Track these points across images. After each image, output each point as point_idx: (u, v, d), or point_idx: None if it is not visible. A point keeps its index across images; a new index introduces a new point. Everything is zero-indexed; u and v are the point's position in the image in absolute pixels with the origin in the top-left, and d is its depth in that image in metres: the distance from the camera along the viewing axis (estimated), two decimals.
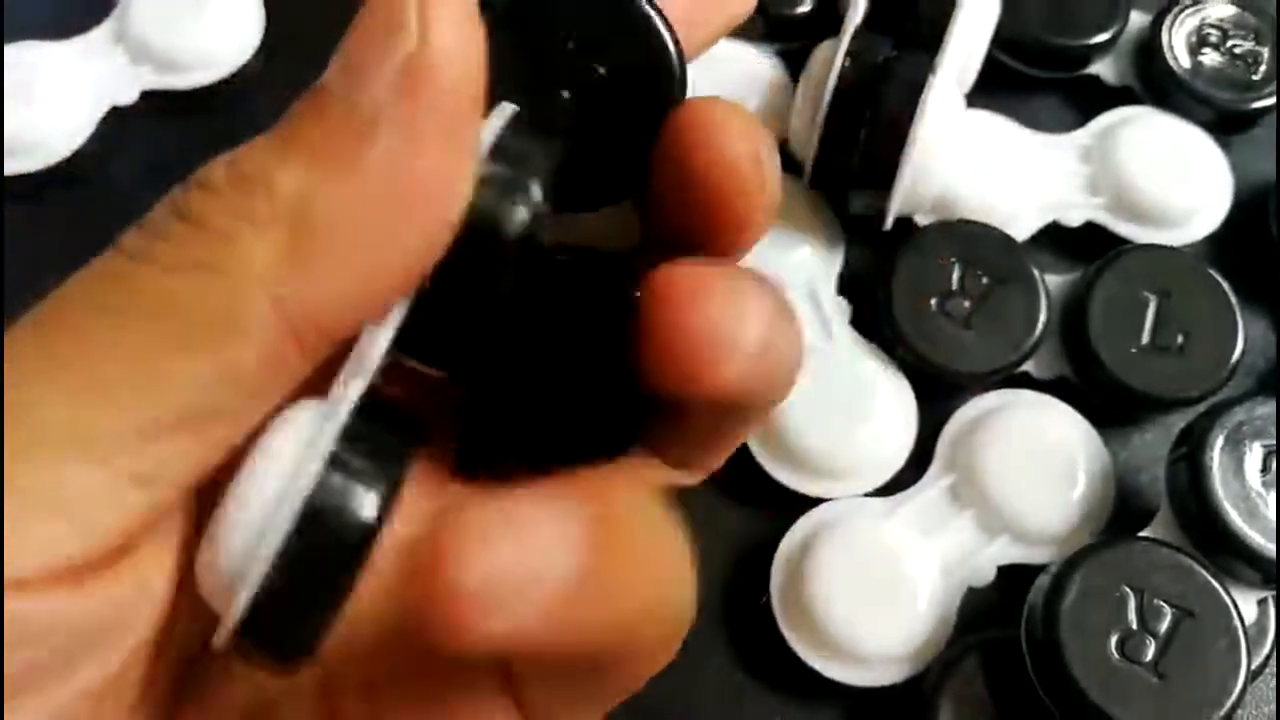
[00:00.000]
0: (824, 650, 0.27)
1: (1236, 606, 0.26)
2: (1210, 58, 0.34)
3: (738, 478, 0.30)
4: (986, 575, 0.28)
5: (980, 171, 0.32)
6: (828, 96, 0.30)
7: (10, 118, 0.32)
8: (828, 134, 0.30)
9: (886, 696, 0.28)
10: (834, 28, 0.32)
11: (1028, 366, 0.31)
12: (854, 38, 0.30)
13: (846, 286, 0.32)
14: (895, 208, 0.30)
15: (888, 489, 0.30)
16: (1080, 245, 0.33)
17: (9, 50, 0.33)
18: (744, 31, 0.34)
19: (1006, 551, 0.29)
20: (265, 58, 0.35)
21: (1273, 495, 0.26)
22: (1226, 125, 0.34)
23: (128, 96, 0.34)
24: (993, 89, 0.35)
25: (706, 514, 0.30)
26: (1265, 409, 0.27)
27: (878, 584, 0.28)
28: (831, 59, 0.30)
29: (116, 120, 0.34)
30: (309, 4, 0.32)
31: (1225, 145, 0.34)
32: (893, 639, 0.27)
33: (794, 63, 0.33)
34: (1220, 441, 0.27)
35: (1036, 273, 0.31)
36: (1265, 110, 0.34)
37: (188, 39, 0.34)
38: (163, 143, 0.34)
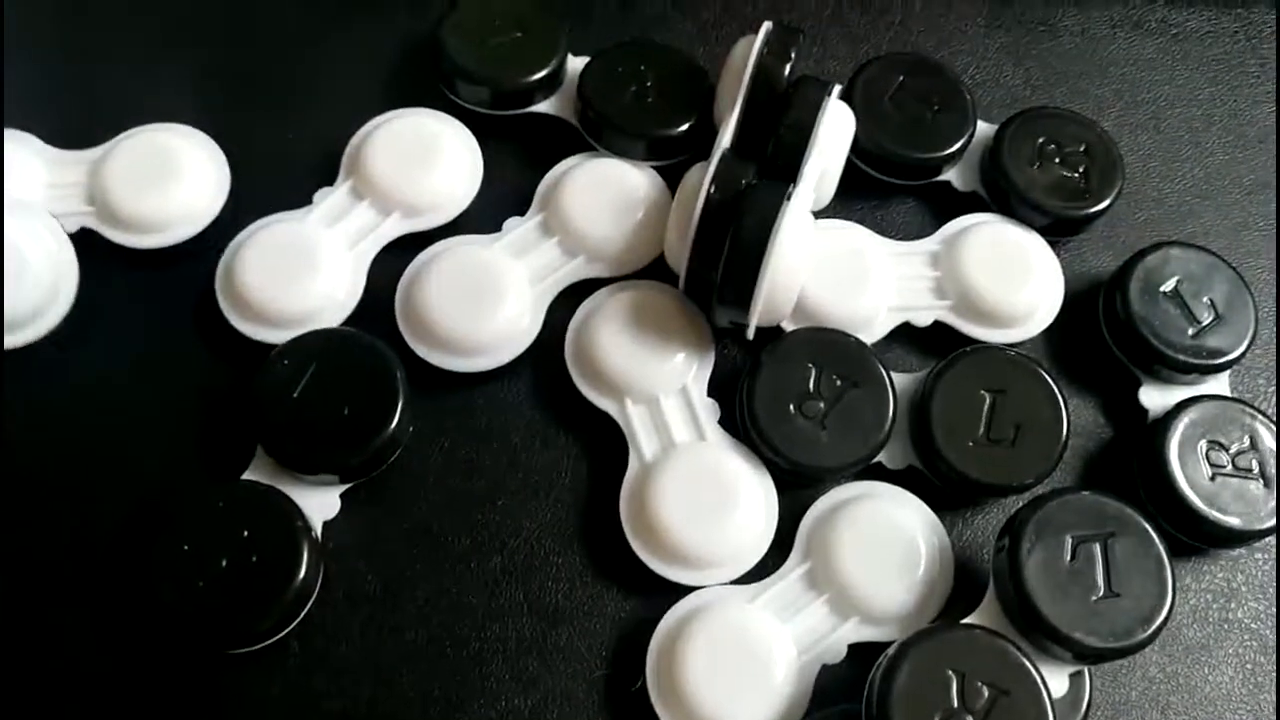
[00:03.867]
0: None
1: (1045, 683, 0.29)
2: (1045, 167, 0.38)
3: (617, 566, 0.33)
4: (839, 653, 0.32)
5: (835, 281, 0.35)
6: (695, 221, 0.33)
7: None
8: (696, 253, 0.33)
9: None
10: (709, 143, 0.35)
11: (881, 458, 0.34)
12: (719, 165, 0.33)
13: (717, 388, 0.35)
14: (754, 325, 0.33)
15: (753, 574, 0.33)
16: (931, 342, 0.37)
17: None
18: (626, 149, 0.37)
19: (857, 631, 0.32)
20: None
21: (1080, 582, 0.30)
22: (1061, 229, 0.38)
23: (69, 227, 0.36)
24: (852, 196, 0.38)
25: (590, 601, 0.33)
26: (1076, 501, 0.31)
27: (741, 666, 0.31)
28: (700, 183, 0.33)
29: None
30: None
31: (1061, 245, 0.38)
32: (756, 715, 0.31)
33: (675, 176, 0.36)
34: (1034, 535, 0.30)
35: (886, 375, 0.34)
36: (1096, 216, 0.38)
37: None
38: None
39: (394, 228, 0.36)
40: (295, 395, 0.32)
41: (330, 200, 0.36)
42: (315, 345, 0.33)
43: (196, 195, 0.36)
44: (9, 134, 0.36)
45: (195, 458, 0.34)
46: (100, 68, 0.40)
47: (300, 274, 0.34)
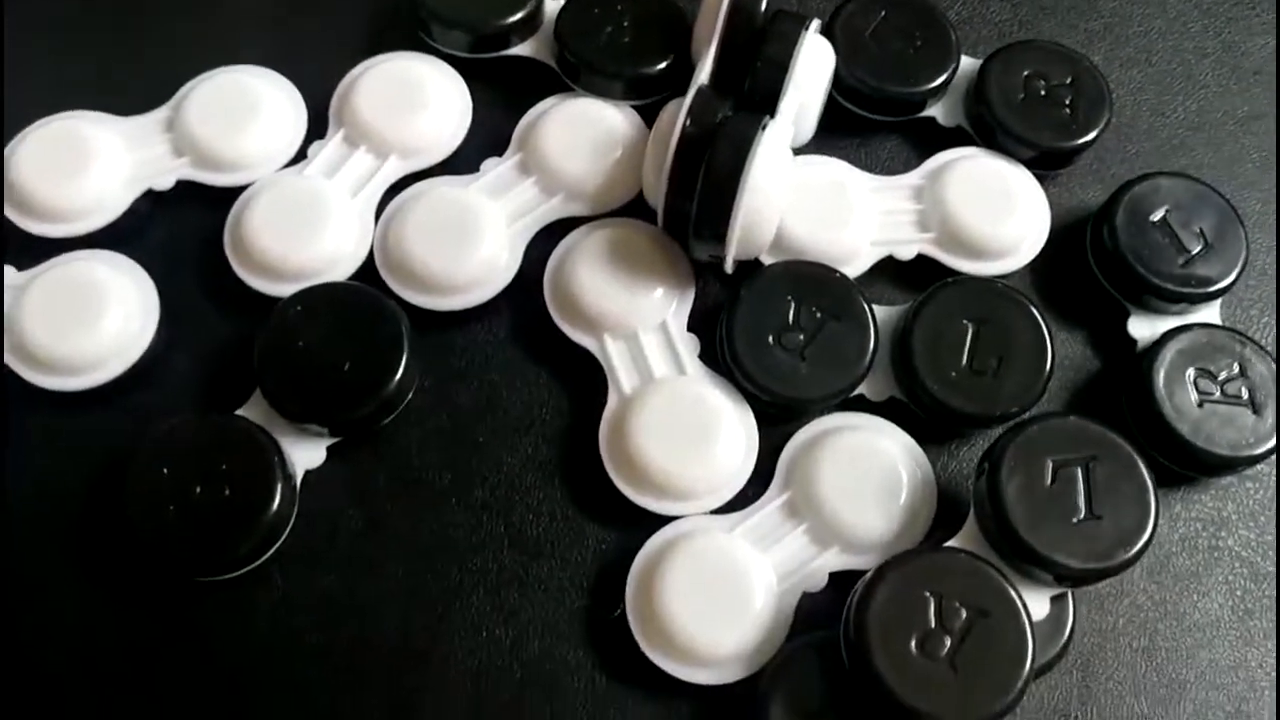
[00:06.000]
0: (674, 654, 0.31)
1: (1025, 605, 0.29)
2: (1032, 100, 0.37)
3: (598, 497, 0.33)
4: (820, 581, 0.32)
5: (816, 215, 0.35)
6: (670, 154, 0.32)
7: (58, 186, 0.35)
8: (673, 187, 0.33)
9: (732, 692, 0.31)
10: (687, 81, 0.35)
11: (863, 389, 0.34)
12: (696, 97, 0.33)
13: (697, 323, 0.35)
14: (732, 256, 0.33)
15: (732, 505, 0.33)
16: (914, 277, 0.36)
17: (69, 119, 0.36)
18: (604, 90, 0.37)
19: (838, 559, 0.32)
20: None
21: (1061, 505, 0.30)
22: (1048, 162, 0.38)
23: (164, 183, 0.36)
24: (836, 133, 0.38)
25: (570, 533, 0.33)
26: (1058, 425, 0.31)
27: (721, 593, 0.31)
28: (675, 117, 0.33)
29: (150, 198, 0.36)
30: None
31: (1048, 179, 0.38)
32: (735, 641, 0.30)
33: (653, 115, 0.36)
34: (1014, 459, 0.30)
35: (866, 307, 0.34)
36: (1083, 148, 0.37)
37: (231, 144, 0.36)
38: (187, 227, 0.36)
39: (394, 170, 0.36)
40: (300, 345, 0.32)
41: (325, 151, 0.36)
42: (329, 298, 0.33)
43: (278, 132, 0.36)
44: (79, 118, 0.36)
45: (195, 391, 0.34)
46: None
47: (310, 229, 0.34)
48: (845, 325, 0.33)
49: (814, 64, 0.35)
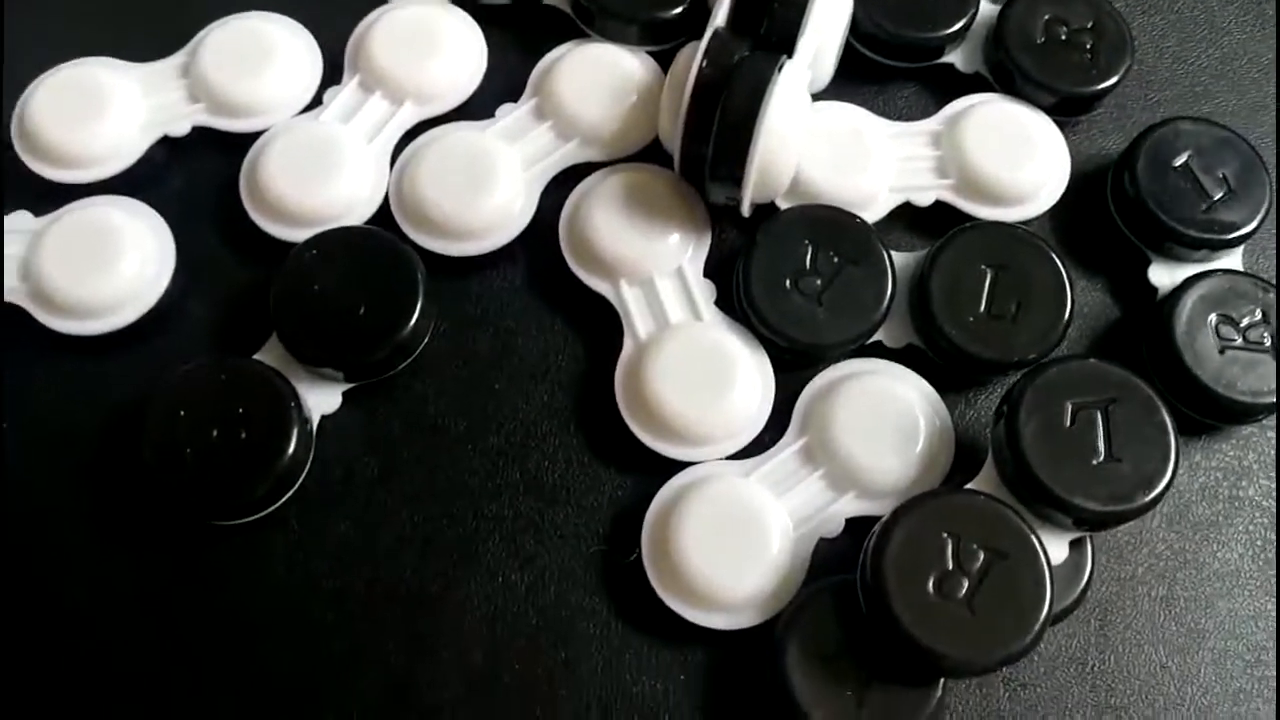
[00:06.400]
0: (690, 599, 0.31)
1: (1043, 547, 0.29)
2: (1052, 45, 0.37)
3: (613, 444, 0.33)
4: (836, 527, 0.32)
5: (833, 160, 0.35)
6: (686, 96, 0.32)
7: (73, 133, 0.34)
8: (689, 131, 0.33)
9: (750, 637, 0.31)
10: (704, 26, 0.35)
11: (880, 336, 0.34)
12: (712, 39, 0.33)
13: (713, 269, 0.35)
14: (748, 199, 0.33)
15: (748, 451, 0.33)
16: (932, 222, 0.36)
17: (84, 65, 0.36)
18: (620, 35, 0.37)
19: (854, 505, 0.32)
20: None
21: (1080, 447, 0.29)
22: (1068, 108, 0.37)
23: (180, 129, 0.36)
24: (853, 80, 0.38)
25: (586, 479, 0.33)
26: (1077, 367, 0.30)
27: (737, 538, 0.31)
28: (692, 60, 0.33)
29: (165, 145, 0.36)
30: None
31: (1068, 125, 0.37)
32: (751, 586, 0.30)
33: (669, 61, 0.36)
34: (1033, 402, 0.30)
35: (884, 252, 0.33)
36: (1104, 93, 0.37)
37: (246, 89, 0.36)
38: (203, 173, 0.36)
39: (409, 116, 0.36)
40: (315, 289, 0.32)
41: (341, 97, 0.36)
42: (344, 242, 0.33)
43: (294, 77, 0.36)
44: (94, 65, 0.36)
45: (211, 336, 0.34)
46: None
47: (325, 174, 0.34)
48: (863, 270, 0.33)
49: (831, 5, 0.34)
